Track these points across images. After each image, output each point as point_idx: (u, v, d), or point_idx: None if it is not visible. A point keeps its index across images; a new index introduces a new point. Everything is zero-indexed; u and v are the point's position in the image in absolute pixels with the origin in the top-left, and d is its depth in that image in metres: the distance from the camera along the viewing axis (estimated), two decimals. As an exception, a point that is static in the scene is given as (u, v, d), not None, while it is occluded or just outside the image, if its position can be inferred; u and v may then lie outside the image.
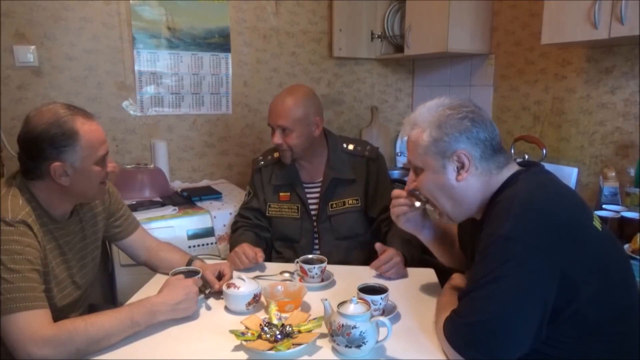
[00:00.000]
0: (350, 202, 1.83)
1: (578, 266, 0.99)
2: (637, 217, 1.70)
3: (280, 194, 1.86)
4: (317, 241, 1.85)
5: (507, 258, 0.98)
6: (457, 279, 1.32)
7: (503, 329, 0.98)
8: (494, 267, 0.99)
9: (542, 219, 1.00)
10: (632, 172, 1.96)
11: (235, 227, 1.92)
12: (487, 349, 0.99)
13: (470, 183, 1.12)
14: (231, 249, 1.80)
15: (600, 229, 1.08)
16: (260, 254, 1.60)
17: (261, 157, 1.94)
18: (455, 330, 1.04)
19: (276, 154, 1.90)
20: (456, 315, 1.05)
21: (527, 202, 1.02)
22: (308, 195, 1.85)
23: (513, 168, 1.14)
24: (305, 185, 1.86)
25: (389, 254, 1.53)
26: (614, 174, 1.97)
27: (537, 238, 0.98)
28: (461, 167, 1.11)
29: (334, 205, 1.82)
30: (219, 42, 2.72)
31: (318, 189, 1.85)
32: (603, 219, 1.45)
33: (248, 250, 1.60)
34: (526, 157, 2.22)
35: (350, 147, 1.88)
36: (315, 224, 1.84)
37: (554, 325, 0.99)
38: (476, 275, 1.04)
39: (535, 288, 0.97)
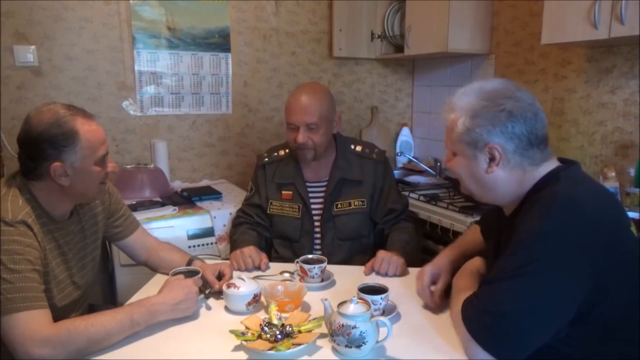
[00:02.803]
0: (356, 203, 1.83)
1: (611, 272, 0.97)
2: (637, 217, 1.70)
3: (283, 192, 1.86)
4: (318, 241, 1.85)
5: (541, 255, 0.97)
6: (477, 261, 1.30)
7: (524, 324, 0.97)
8: (526, 262, 0.98)
9: (583, 221, 0.98)
10: (632, 172, 1.96)
11: (237, 222, 1.92)
12: (504, 340, 0.98)
13: (500, 176, 1.09)
14: (233, 243, 1.81)
15: (636, 235, 1.06)
16: (265, 261, 1.61)
17: (266, 154, 1.94)
18: (475, 316, 1.03)
19: (282, 152, 1.90)
20: (478, 301, 1.04)
21: (569, 202, 1.00)
22: (311, 195, 1.85)
23: (552, 164, 1.11)
24: (309, 184, 1.86)
25: (381, 254, 1.57)
26: (614, 174, 1.96)
27: (575, 239, 0.96)
28: (492, 159, 1.08)
29: (339, 206, 1.82)
30: (219, 42, 2.71)
31: (322, 189, 1.85)
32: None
33: (255, 254, 1.61)
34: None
35: (358, 148, 1.88)
36: (318, 223, 1.84)
37: (577, 326, 0.99)
38: (506, 266, 1.02)
39: (564, 289, 0.96)
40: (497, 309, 0.99)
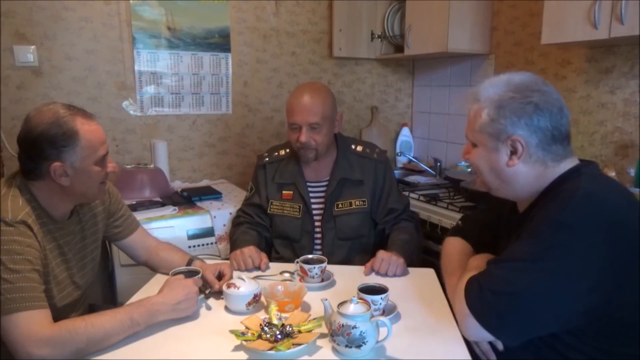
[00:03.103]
0: (356, 203, 1.83)
1: (626, 269, 0.97)
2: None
3: (283, 192, 1.86)
4: (318, 241, 1.85)
5: (556, 243, 0.96)
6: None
7: (524, 306, 0.97)
8: (540, 248, 0.98)
9: (600, 214, 0.97)
10: (632, 172, 1.96)
11: (237, 221, 1.92)
12: (503, 318, 0.98)
13: (520, 169, 1.08)
14: (233, 243, 1.81)
15: None
16: (265, 261, 1.61)
17: (266, 154, 1.94)
18: (478, 292, 1.02)
19: (282, 152, 1.90)
20: (483, 280, 1.03)
21: (591, 195, 0.99)
22: (311, 195, 1.85)
23: (573, 162, 1.10)
24: (309, 184, 1.86)
25: (380, 254, 1.57)
26: (614, 174, 1.96)
27: (592, 233, 0.96)
28: (514, 152, 1.07)
29: (340, 206, 1.82)
30: (219, 42, 2.71)
31: (323, 188, 1.85)
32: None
33: (255, 254, 1.61)
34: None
35: (359, 148, 1.88)
36: (318, 223, 1.84)
37: (589, 320, 0.98)
38: (518, 249, 1.02)
39: (573, 281, 0.95)
40: (501, 289, 0.99)
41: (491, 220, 1.34)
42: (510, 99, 1.06)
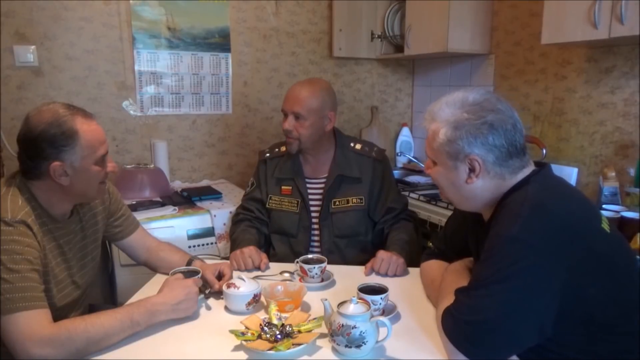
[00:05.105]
0: (354, 200, 1.83)
1: (585, 269, 0.99)
2: (637, 217, 1.70)
3: (282, 187, 1.87)
4: (315, 238, 1.86)
5: (513, 260, 0.98)
6: (467, 260, 1.32)
7: (503, 329, 0.98)
8: (499, 268, 1.00)
9: (551, 223, 1.00)
10: (632, 172, 1.96)
11: (237, 218, 1.92)
12: (486, 346, 1.00)
13: (479, 185, 1.12)
14: (233, 242, 1.81)
15: (609, 231, 1.08)
16: (265, 261, 1.62)
17: (268, 150, 1.96)
18: (454, 326, 1.04)
19: (283, 148, 1.91)
20: (456, 312, 1.05)
21: (537, 206, 1.02)
22: (309, 191, 1.85)
23: (528, 170, 1.13)
24: (308, 180, 1.86)
25: (381, 254, 1.57)
26: (614, 174, 1.96)
27: (544, 242, 0.98)
28: (472, 170, 1.11)
29: (337, 203, 1.83)
30: (219, 42, 2.72)
31: (321, 185, 1.85)
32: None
33: (255, 255, 1.62)
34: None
35: (358, 146, 1.89)
36: (316, 220, 1.84)
37: (562, 325, 1.00)
38: (480, 274, 1.04)
39: (539, 291, 0.97)
40: (473, 318, 1.01)
41: (459, 231, 1.36)
42: (465, 120, 1.09)
